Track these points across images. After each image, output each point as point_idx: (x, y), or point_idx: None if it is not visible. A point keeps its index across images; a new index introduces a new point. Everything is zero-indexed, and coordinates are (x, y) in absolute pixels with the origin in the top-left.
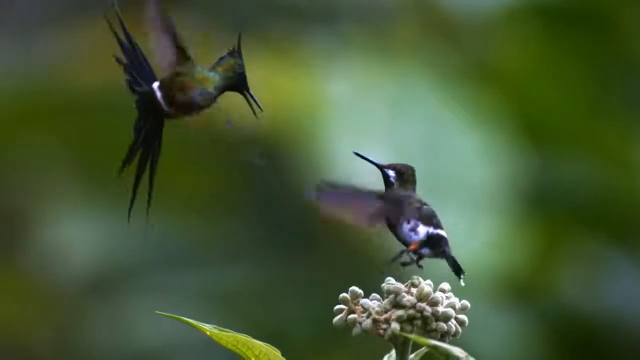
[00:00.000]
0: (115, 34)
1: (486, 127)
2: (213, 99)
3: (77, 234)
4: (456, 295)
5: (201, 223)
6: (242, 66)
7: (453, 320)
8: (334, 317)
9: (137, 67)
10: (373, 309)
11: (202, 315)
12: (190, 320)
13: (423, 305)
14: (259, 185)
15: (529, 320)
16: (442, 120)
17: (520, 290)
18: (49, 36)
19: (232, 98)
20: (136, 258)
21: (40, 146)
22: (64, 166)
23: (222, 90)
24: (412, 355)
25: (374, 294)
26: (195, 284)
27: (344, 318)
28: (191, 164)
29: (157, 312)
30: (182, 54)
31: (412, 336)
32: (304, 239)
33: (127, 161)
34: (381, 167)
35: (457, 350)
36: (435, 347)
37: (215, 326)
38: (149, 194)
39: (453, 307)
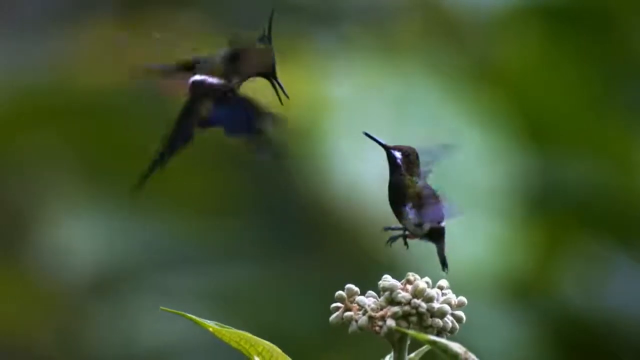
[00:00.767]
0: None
1: (488, 127)
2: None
3: (79, 234)
4: (457, 295)
5: (204, 223)
6: (272, 52)
7: (449, 317)
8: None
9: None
10: (369, 306)
11: (204, 315)
12: (194, 317)
13: (418, 301)
14: (261, 185)
15: (530, 321)
16: (445, 120)
17: (521, 291)
18: (50, 36)
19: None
20: (138, 258)
21: (41, 146)
22: (66, 166)
23: (250, 76)
24: (412, 355)
25: (370, 291)
26: (197, 284)
27: (340, 316)
28: (195, 164)
29: (161, 307)
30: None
31: (409, 331)
32: (306, 239)
33: (169, 153)
34: (388, 148)
35: (455, 346)
36: (434, 343)
37: (218, 323)
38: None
39: (449, 304)
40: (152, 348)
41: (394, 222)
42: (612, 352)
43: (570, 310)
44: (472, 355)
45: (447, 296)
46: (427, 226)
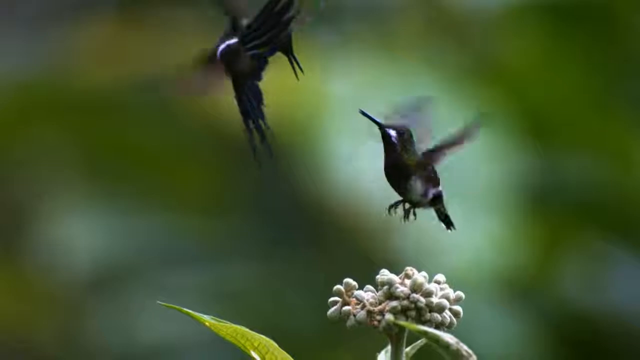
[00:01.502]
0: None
1: (490, 124)
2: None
3: (79, 232)
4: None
5: (204, 221)
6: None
7: (447, 312)
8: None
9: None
10: (367, 300)
11: (203, 313)
12: (190, 311)
13: (417, 296)
14: (261, 184)
15: (530, 318)
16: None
17: (521, 288)
18: (51, 33)
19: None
20: (138, 256)
21: (42, 144)
22: (66, 164)
23: (273, 51)
24: (408, 348)
25: (368, 286)
26: (197, 282)
27: (338, 310)
28: (194, 161)
29: (159, 302)
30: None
31: (405, 323)
32: (306, 237)
33: (258, 120)
34: (383, 127)
35: (447, 336)
36: (425, 333)
37: (214, 317)
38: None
39: (447, 298)
40: (151, 345)
41: (394, 221)
42: (612, 349)
43: (571, 308)
44: (463, 346)
45: (445, 291)
46: (431, 193)
